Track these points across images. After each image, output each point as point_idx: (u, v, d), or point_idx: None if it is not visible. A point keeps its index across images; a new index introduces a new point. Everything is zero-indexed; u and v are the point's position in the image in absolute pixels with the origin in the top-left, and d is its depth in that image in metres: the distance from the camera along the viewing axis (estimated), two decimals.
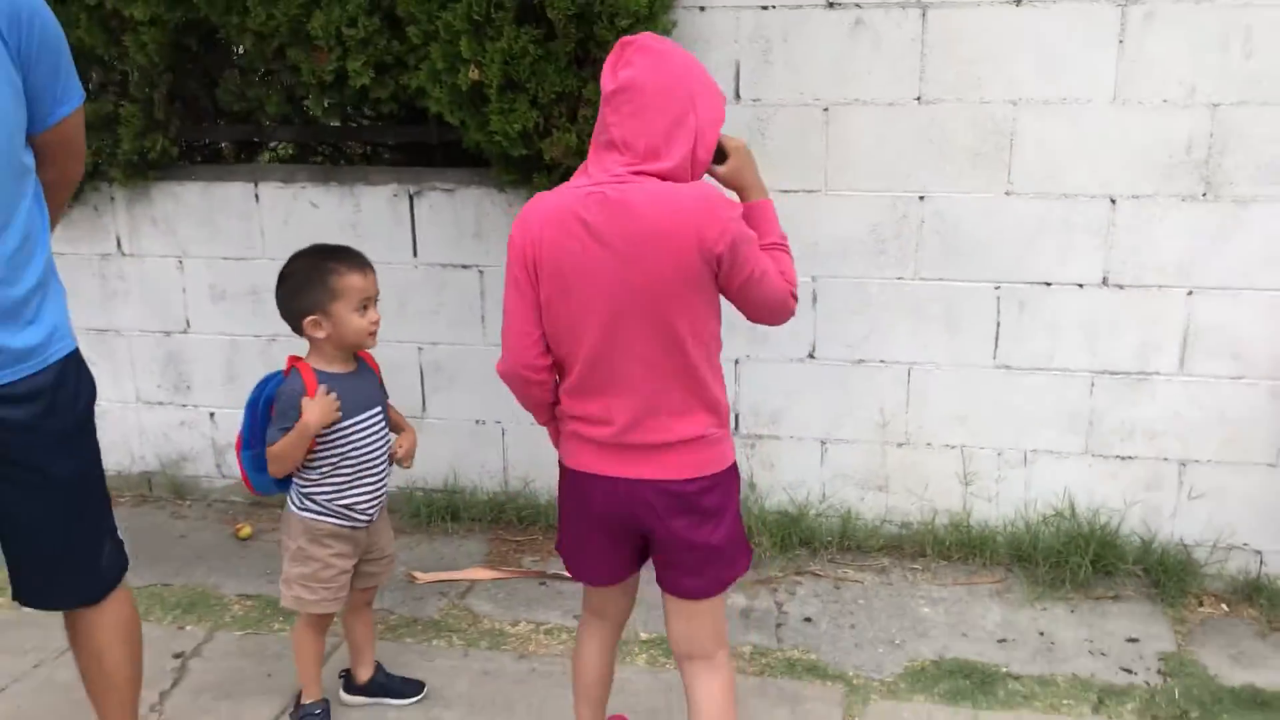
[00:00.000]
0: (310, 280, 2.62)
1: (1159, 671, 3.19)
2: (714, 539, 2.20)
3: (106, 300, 4.10)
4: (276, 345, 4.00)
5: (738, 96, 3.50)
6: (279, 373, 2.73)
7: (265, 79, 3.73)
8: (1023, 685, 3.12)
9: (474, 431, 3.96)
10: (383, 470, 2.81)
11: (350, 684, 3.07)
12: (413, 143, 3.93)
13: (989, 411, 3.63)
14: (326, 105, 3.58)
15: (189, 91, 3.81)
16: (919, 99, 3.42)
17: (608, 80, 2.07)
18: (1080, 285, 3.48)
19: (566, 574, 3.59)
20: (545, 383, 2.25)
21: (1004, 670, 3.19)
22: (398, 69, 3.51)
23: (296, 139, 4.07)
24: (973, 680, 3.14)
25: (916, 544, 3.75)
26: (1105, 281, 3.46)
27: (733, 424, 3.77)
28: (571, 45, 3.25)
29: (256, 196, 3.89)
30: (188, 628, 3.46)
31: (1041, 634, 3.37)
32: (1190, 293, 3.41)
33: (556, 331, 2.15)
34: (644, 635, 3.37)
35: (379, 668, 3.08)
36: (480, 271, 3.80)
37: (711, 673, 2.30)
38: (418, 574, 3.71)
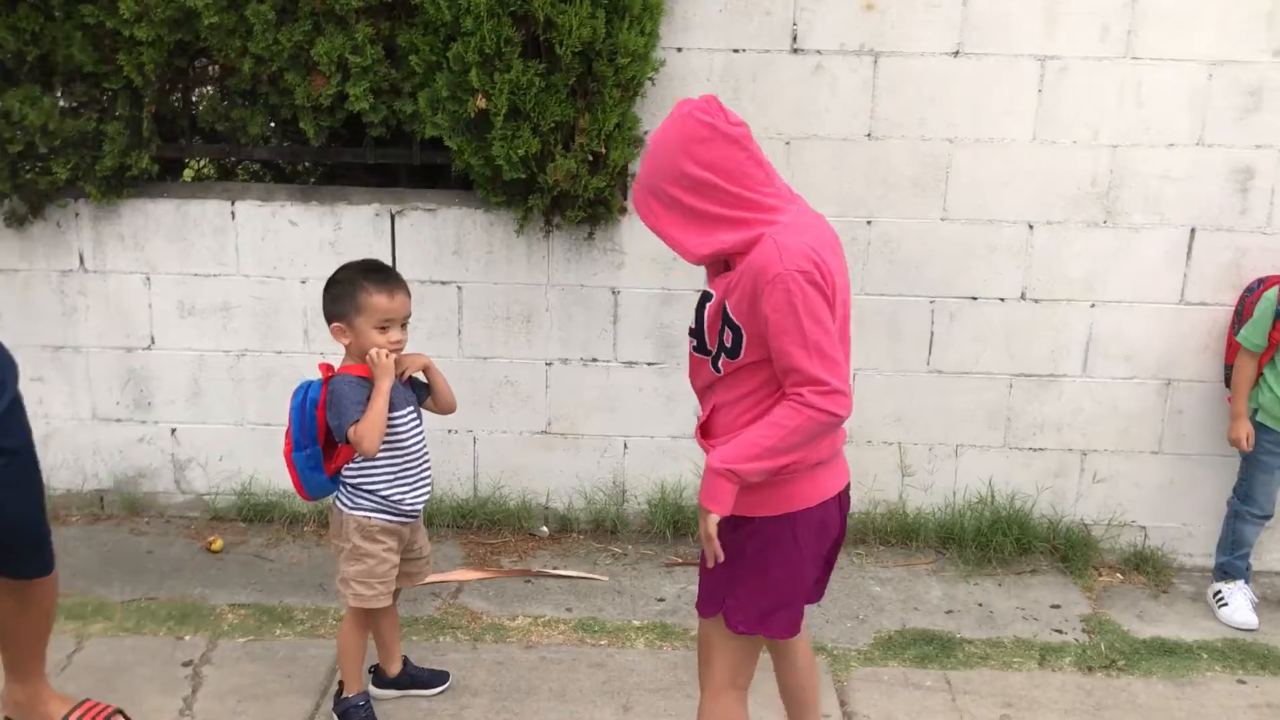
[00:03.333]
0: (344, 291, 2.84)
1: (1083, 630, 3.71)
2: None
3: (65, 316, 4.06)
4: (245, 360, 4.08)
5: None
6: (313, 381, 2.91)
7: (250, 100, 3.83)
8: (976, 648, 3.59)
9: (446, 440, 4.15)
10: (424, 467, 3.00)
11: (381, 678, 3.24)
12: (381, 164, 4.09)
13: (923, 411, 4.10)
14: (318, 127, 3.72)
15: (167, 109, 3.86)
16: (869, 135, 3.86)
17: (730, 128, 2.23)
18: (1002, 299, 4.01)
19: (550, 571, 3.90)
20: None
21: (958, 636, 3.64)
22: (390, 95, 3.70)
23: (272, 158, 4.17)
24: (934, 646, 3.58)
25: (859, 531, 4.18)
26: (1023, 296, 4.00)
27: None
28: (573, 79, 3.53)
29: (233, 214, 3.96)
30: (187, 638, 3.51)
31: (980, 605, 3.85)
32: (1093, 305, 3.99)
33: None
34: (636, 622, 3.66)
35: (406, 661, 3.26)
36: (459, 287, 4.00)
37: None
38: None
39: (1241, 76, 3.77)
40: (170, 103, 3.87)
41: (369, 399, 2.81)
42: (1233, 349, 3.80)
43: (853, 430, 4.09)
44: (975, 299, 4.01)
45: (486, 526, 4.20)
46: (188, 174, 4.68)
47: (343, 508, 2.95)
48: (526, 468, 4.18)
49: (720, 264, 2.34)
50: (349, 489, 2.94)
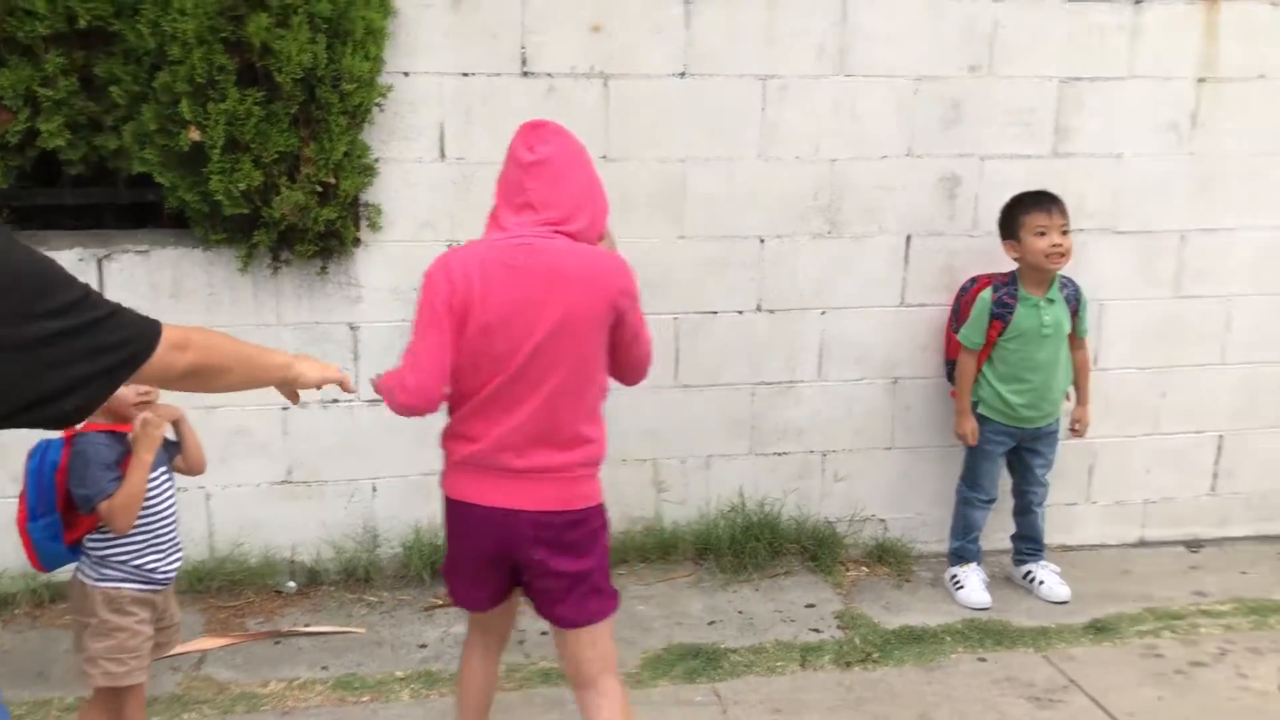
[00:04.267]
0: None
1: (838, 627, 3.86)
2: (579, 568, 2.49)
3: None
4: None
5: (443, 155, 3.75)
6: (52, 441, 2.63)
7: None
8: (740, 656, 3.65)
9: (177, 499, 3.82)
10: (175, 530, 2.79)
11: None
12: (85, 204, 3.73)
13: (674, 425, 4.15)
14: (6, 167, 3.34)
15: None
16: (605, 157, 3.86)
17: (525, 152, 2.42)
18: (740, 312, 4.11)
19: (300, 629, 3.67)
20: (434, 410, 2.47)
21: (723, 647, 3.70)
22: (90, 130, 3.37)
23: None
24: (701, 659, 3.62)
25: (620, 552, 4.18)
26: (759, 307, 4.11)
27: None
28: (295, 107, 3.33)
29: None
30: None
31: (740, 612, 3.93)
32: (823, 312, 4.15)
33: (475, 365, 2.37)
34: (399, 673, 3.50)
35: None
36: None
37: (599, 698, 2.56)
38: None
39: (944, 91, 4.03)
40: None
41: (119, 463, 2.59)
42: (953, 345, 4.06)
43: (609, 450, 4.08)
44: (715, 313, 4.09)
45: (227, 588, 3.90)
46: None
47: (86, 579, 2.69)
48: (267, 521, 3.93)
49: None
50: (93, 560, 2.69)
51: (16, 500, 2.68)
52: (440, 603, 3.90)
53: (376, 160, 3.66)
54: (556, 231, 2.41)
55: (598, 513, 2.54)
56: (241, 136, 3.29)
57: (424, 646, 3.66)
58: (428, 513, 4.00)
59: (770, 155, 3.99)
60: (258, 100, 3.28)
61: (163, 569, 2.74)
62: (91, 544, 2.68)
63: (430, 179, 3.76)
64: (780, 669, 3.59)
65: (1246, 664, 3.68)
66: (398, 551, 4.03)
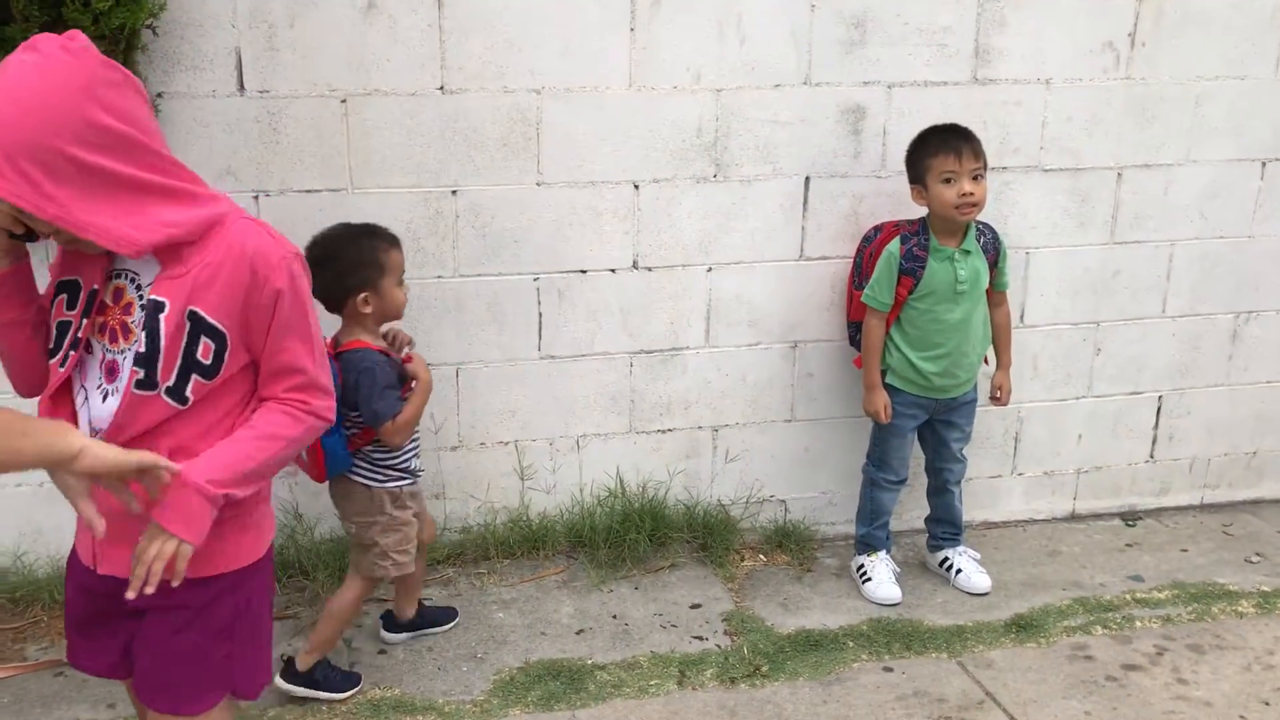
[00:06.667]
0: (360, 259, 2.78)
1: (725, 633, 3.36)
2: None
3: None
4: None
5: (242, 88, 3.11)
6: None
7: None
8: (610, 674, 3.14)
9: None
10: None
11: (393, 623, 3.26)
12: None
13: (539, 402, 3.59)
14: None
15: None
16: (442, 89, 3.24)
17: (135, 79, 1.69)
18: (613, 270, 3.53)
19: None
20: None
21: (589, 662, 3.19)
22: None
23: None
24: (562, 680, 3.10)
25: (479, 548, 3.64)
26: (635, 265, 3.54)
27: None
28: (36, 29, 2.68)
29: None
30: None
31: (615, 617, 3.42)
32: (710, 269, 3.59)
33: None
34: None
35: (421, 605, 3.30)
36: None
37: None
38: None
39: (845, 7, 3.44)
40: None
41: (399, 385, 2.85)
42: (856, 306, 3.52)
43: (464, 433, 3.53)
44: (585, 272, 3.51)
45: (7, 605, 3.32)
46: None
47: (371, 483, 2.93)
48: (54, 527, 3.33)
49: (104, 260, 1.83)
50: (377, 465, 2.93)
51: None
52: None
53: (159, 96, 3.03)
54: None
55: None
56: None
57: None
58: None
59: (643, 84, 3.39)
60: None
61: (417, 463, 3.02)
62: (376, 453, 2.91)
63: (227, 117, 3.12)
64: (654, 689, 3.08)
65: (1186, 666, 3.23)
66: None
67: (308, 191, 3.22)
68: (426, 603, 3.34)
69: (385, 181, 3.28)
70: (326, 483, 2.96)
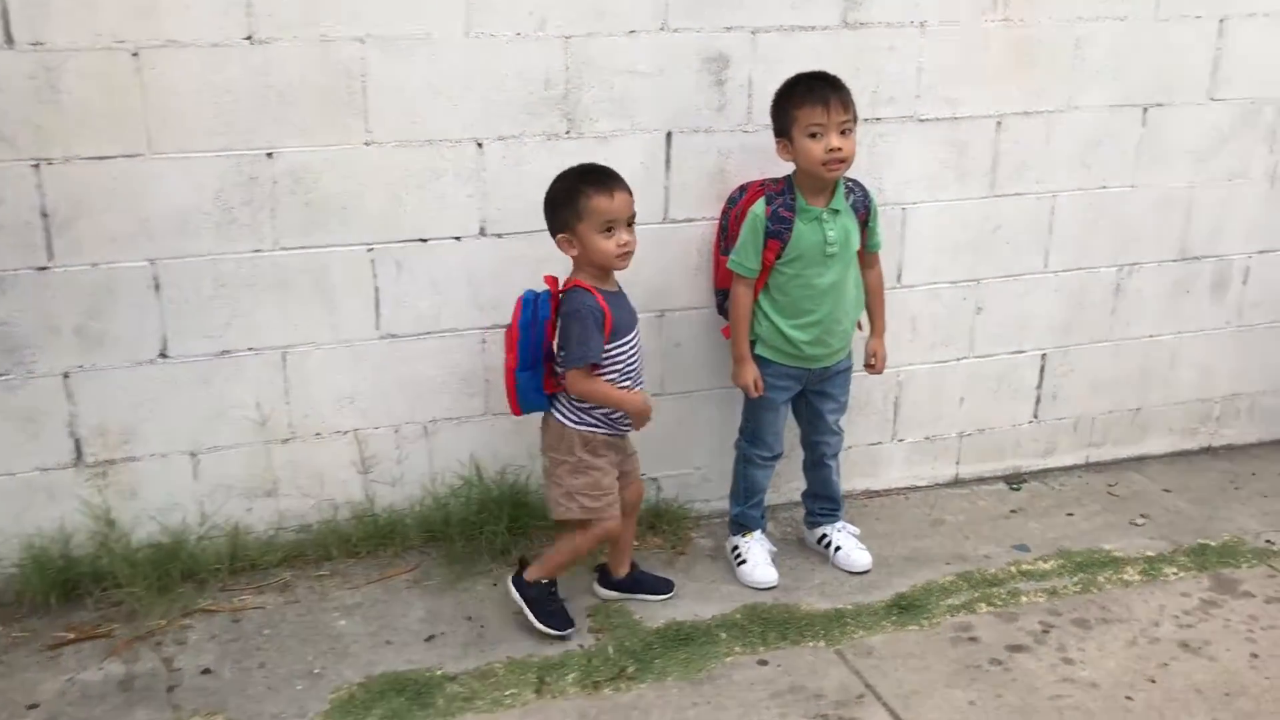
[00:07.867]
0: (562, 200, 2.82)
1: (590, 629, 3.11)
2: None
3: None
4: None
5: (10, 40, 2.69)
6: (539, 293, 2.87)
7: None
8: (462, 685, 2.86)
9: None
10: (641, 384, 3.01)
11: (606, 578, 3.23)
12: None
13: (380, 386, 3.26)
14: None
15: None
16: (250, 38, 2.86)
17: None
18: (458, 238, 3.21)
19: None
20: None
21: (439, 673, 2.90)
22: None
23: None
24: (408, 696, 2.81)
25: (320, 548, 3.32)
26: (483, 231, 3.23)
27: (74, 453, 3.04)
28: None
29: None
30: None
31: (470, 619, 3.14)
32: None
33: None
34: None
35: (635, 566, 3.25)
36: None
37: None
38: None
39: None
40: None
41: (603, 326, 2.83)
42: (723, 272, 3.25)
43: (296, 424, 3.19)
44: (426, 240, 3.18)
45: None
46: None
47: (566, 421, 2.95)
48: None
49: None
50: (573, 406, 2.94)
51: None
52: (72, 637, 2.99)
53: None
54: None
55: None
56: None
57: (35, 707, 2.75)
58: (52, 516, 3.06)
59: (481, 31, 3.05)
60: None
61: (625, 419, 2.97)
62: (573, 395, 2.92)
63: None
64: (510, 700, 2.81)
65: (1072, 644, 3.07)
66: (11, 571, 3.07)
67: (99, 158, 2.82)
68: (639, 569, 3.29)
69: (189, 144, 2.89)
70: (567, 415, 2.97)
